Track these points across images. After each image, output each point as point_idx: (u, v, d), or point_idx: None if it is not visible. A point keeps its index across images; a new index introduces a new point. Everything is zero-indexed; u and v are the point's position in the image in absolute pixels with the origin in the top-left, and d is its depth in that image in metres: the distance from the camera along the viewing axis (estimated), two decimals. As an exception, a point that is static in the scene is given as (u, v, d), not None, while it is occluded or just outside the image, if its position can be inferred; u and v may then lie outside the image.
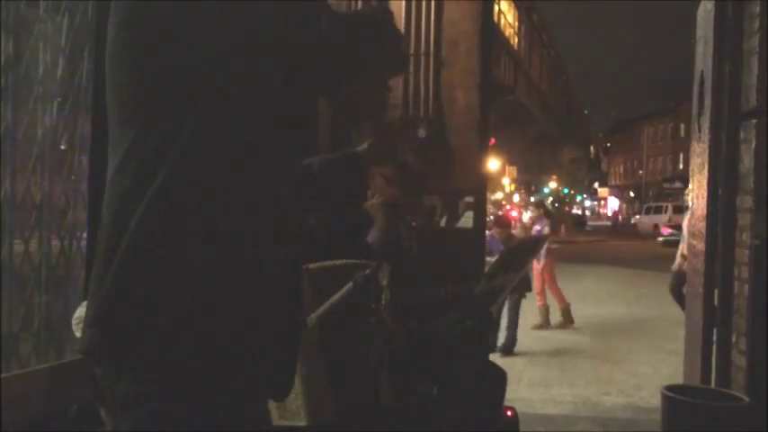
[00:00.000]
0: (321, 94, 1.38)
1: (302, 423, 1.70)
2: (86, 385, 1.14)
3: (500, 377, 2.77)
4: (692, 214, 4.56)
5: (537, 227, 8.53)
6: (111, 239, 1.11)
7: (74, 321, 2.13)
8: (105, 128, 1.19)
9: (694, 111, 4.58)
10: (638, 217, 40.30)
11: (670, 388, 3.37)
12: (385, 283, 2.05)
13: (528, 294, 7.14)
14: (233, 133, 1.12)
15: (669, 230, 8.19)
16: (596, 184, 71.47)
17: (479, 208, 3.99)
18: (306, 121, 1.27)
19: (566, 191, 45.99)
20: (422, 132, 4.06)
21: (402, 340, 2.38)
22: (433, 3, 4.03)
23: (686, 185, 5.17)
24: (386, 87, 1.54)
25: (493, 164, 23.45)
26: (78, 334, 1.77)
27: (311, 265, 1.86)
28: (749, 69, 3.59)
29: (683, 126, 46.86)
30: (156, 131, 1.11)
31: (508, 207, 26.94)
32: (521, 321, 7.00)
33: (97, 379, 1.15)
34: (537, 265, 7.93)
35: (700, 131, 4.34)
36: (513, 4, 24.97)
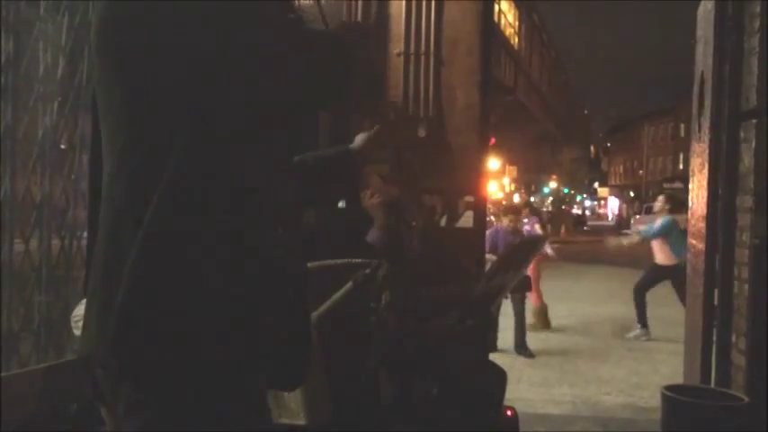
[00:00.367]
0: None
1: (301, 422, 1.71)
2: (86, 384, 1.14)
3: (500, 377, 2.78)
4: (692, 214, 4.56)
5: (527, 227, 8.46)
6: (108, 254, 1.12)
7: (73, 319, 2.13)
8: (105, 128, 1.19)
9: (694, 110, 4.58)
10: (637, 217, 40.26)
11: (670, 388, 3.37)
12: (385, 282, 2.05)
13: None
14: (222, 145, 1.12)
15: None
16: (596, 184, 71.47)
17: (479, 207, 3.99)
18: (297, 122, 1.26)
19: (566, 191, 45.95)
20: (422, 132, 4.06)
21: (402, 339, 2.38)
22: (433, 2, 4.03)
23: (686, 185, 5.16)
24: (357, 110, 1.52)
25: (493, 164, 23.46)
26: (78, 332, 1.77)
27: (311, 264, 1.86)
28: (749, 69, 3.59)
29: (683, 126, 46.84)
30: (142, 146, 1.11)
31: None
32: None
33: (97, 378, 1.15)
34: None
35: (700, 131, 4.34)
36: (513, 4, 24.96)
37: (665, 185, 49.18)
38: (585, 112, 68.03)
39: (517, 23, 25.84)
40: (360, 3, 3.93)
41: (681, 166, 47.61)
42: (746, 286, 3.48)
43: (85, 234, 2.50)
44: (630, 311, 7.94)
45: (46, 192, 2.39)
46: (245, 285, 1.13)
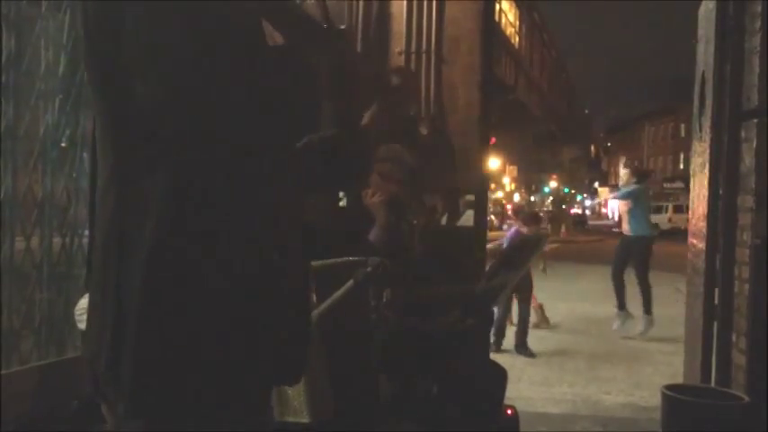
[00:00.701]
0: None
1: (304, 420, 1.71)
2: (87, 382, 1.14)
3: (500, 376, 2.78)
4: (693, 212, 4.56)
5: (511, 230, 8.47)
6: (107, 267, 1.12)
7: (77, 312, 2.13)
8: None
9: (695, 110, 4.57)
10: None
11: (670, 387, 3.37)
12: (386, 281, 2.05)
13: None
14: (218, 148, 1.11)
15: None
16: (596, 184, 71.44)
17: (480, 207, 3.99)
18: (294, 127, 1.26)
19: (566, 190, 45.93)
20: (423, 130, 4.06)
21: (402, 338, 2.38)
22: (434, 1, 4.03)
23: (687, 185, 5.18)
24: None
25: (493, 163, 23.45)
26: (82, 326, 1.78)
27: (313, 263, 1.86)
28: (750, 69, 3.59)
29: (683, 126, 46.87)
30: (129, 167, 1.11)
31: (509, 207, 26.94)
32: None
33: (98, 376, 1.15)
34: None
35: (701, 131, 4.34)
36: (514, 3, 24.95)
37: (665, 185, 49.22)
38: (586, 111, 68.02)
39: (518, 23, 25.82)
40: (361, 2, 3.93)
41: (681, 166, 47.63)
42: (747, 286, 3.48)
43: (86, 232, 2.50)
44: (632, 310, 7.93)
45: (47, 189, 2.39)
46: (244, 285, 1.13)
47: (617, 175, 68.04)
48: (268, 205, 1.18)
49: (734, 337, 3.63)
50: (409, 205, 2.80)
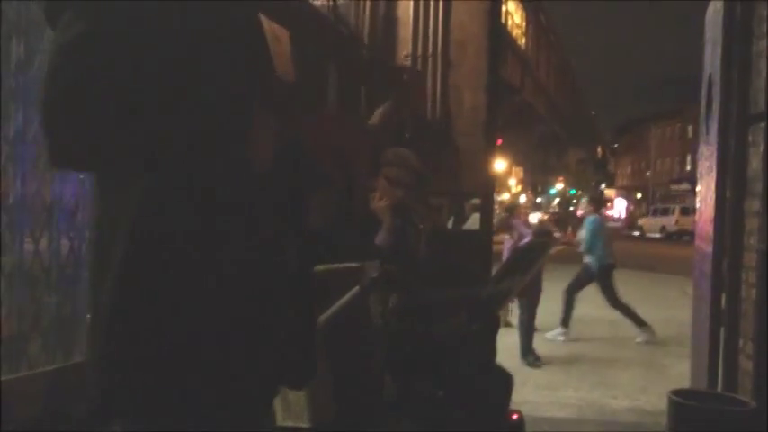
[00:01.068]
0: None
1: (305, 424, 1.72)
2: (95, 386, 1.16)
3: (506, 380, 2.78)
4: (700, 215, 4.55)
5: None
6: (97, 264, 1.13)
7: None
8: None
9: (702, 113, 4.57)
10: (644, 219, 40.16)
11: (676, 392, 3.36)
12: (392, 285, 2.06)
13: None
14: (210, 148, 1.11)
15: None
16: (603, 185, 71.30)
17: (486, 210, 3.99)
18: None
19: (572, 192, 45.81)
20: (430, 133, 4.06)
21: (408, 342, 2.38)
22: (441, 4, 4.03)
23: (694, 187, 5.20)
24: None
25: (499, 165, 23.42)
26: None
27: (320, 268, 1.87)
28: (758, 72, 3.59)
29: (690, 127, 46.71)
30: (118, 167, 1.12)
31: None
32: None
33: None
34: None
35: (708, 134, 4.33)
36: (520, 5, 24.91)
37: (672, 187, 49.08)
38: (593, 113, 67.87)
39: (524, 24, 25.79)
40: (368, 5, 3.94)
41: (688, 168, 47.46)
42: (754, 290, 3.47)
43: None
44: (639, 313, 7.91)
45: (56, 193, 2.40)
46: (241, 286, 1.14)
47: (624, 176, 67.93)
48: (249, 206, 1.18)
49: (741, 342, 3.62)
50: (415, 209, 2.80)
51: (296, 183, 1.26)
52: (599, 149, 73.33)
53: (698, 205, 4.68)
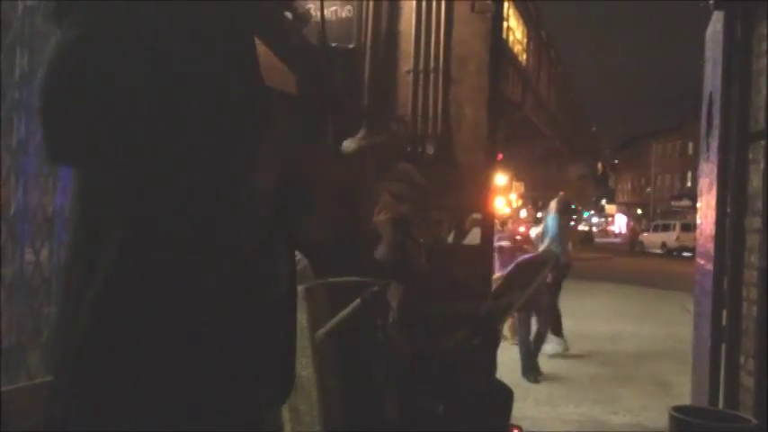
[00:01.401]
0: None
1: (316, 435, 1.71)
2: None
3: (506, 395, 2.77)
4: (701, 233, 4.55)
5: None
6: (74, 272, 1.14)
7: None
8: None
9: (702, 131, 4.58)
10: (645, 234, 40.12)
11: (678, 409, 3.34)
12: (393, 300, 2.06)
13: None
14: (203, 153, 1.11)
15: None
16: (603, 201, 71.31)
17: (486, 224, 3.99)
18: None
19: (573, 207, 45.89)
20: (429, 149, 4.07)
21: (408, 357, 2.38)
22: (442, 19, 4.06)
23: (694, 203, 5.21)
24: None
25: (500, 179, 23.44)
26: None
27: (329, 281, 1.87)
28: (758, 90, 3.60)
29: (690, 144, 46.80)
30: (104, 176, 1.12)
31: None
32: None
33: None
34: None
35: (708, 151, 4.34)
36: (521, 21, 25.05)
37: (672, 203, 49.06)
38: (593, 128, 68.00)
39: (525, 40, 25.91)
40: (370, 20, 3.96)
41: (689, 184, 47.50)
42: (755, 307, 3.47)
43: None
44: (637, 330, 7.89)
45: (57, 204, 2.41)
46: (235, 288, 1.15)
47: (624, 192, 68.00)
48: (246, 215, 1.18)
49: (742, 359, 3.61)
50: (416, 224, 2.81)
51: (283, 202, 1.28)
52: (599, 165, 73.43)
53: (698, 222, 4.68)
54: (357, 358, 1.97)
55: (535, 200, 42.00)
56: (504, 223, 9.33)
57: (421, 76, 4.06)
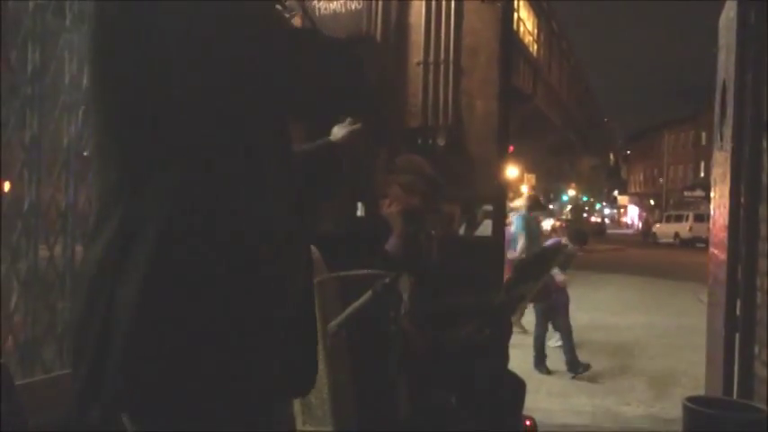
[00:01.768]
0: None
1: (329, 429, 1.72)
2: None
3: (519, 387, 2.77)
4: (714, 223, 4.52)
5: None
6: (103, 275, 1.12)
7: None
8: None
9: (716, 119, 4.53)
10: (658, 225, 39.89)
11: (691, 399, 3.33)
12: (405, 292, 2.06)
13: None
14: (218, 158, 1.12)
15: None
16: (616, 192, 70.96)
17: (498, 216, 3.98)
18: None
19: (585, 198, 45.63)
20: (440, 141, 4.07)
21: (421, 349, 2.38)
22: (453, 11, 4.04)
23: (707, 193, 5.17)
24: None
25: (512, 171, 23.36)
26: None
27: (340, 274, 1.87)
28: (772, 78, 3.56)
29: (704, 134, 46.41)
30: (140, 167, 1.12)
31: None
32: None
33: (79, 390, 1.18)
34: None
35: (722, 140, 4.30)
36: (532, 12, 24.89)
37: (685, 193, 48.73)
38: (605, 119, 67.59)
39: (536, 31, 25.76)
40: (380, 12, 3.95)
41: (702, 174, 47.14)
42: (769, 297, 3.44)
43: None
44: (650, 321, 7.86)
45: (70, 199, 2.43)
46: (274, 286, 1.15)
47: (637, 183, 67.63)
48: (270, 206, 1.18)
49: (756, 349, 3.58)
50: (427, 216, 2.80)
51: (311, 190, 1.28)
52: (612, 156, 73.01)
53: (712, 212, 4.64)
54: (369, 351, 1.97)
55: (547, 192, 41.84)
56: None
57: (431, 67, 4.05)
